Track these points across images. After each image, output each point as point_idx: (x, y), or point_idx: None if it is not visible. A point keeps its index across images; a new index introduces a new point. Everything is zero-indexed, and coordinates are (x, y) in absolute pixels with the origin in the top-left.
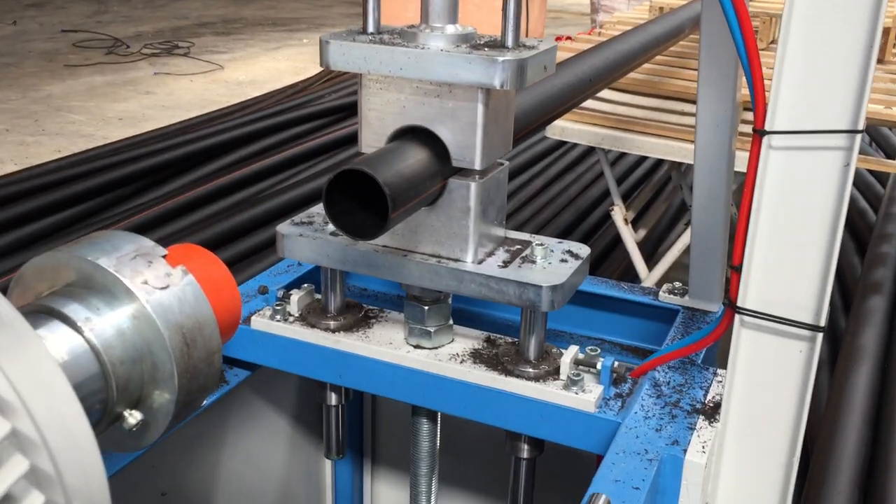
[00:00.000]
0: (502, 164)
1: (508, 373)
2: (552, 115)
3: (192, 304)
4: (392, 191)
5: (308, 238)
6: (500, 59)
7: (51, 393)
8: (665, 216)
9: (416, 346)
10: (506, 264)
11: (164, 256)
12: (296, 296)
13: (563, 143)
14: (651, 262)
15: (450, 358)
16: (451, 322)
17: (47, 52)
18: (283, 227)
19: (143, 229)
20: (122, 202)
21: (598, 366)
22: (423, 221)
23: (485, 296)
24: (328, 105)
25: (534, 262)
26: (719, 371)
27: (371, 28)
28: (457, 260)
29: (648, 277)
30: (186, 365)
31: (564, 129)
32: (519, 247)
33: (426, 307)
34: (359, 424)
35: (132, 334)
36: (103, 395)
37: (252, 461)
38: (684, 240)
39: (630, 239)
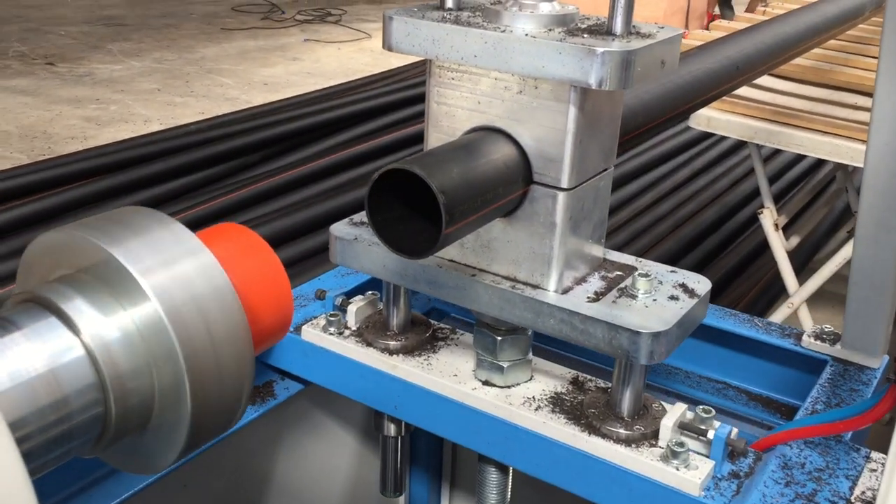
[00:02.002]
0: (604, 169)
1: (593, 430)
2: (688, 107)
3: (219, 309)
4: (449, 199)
5: (363, 244)
6: (600, 49)
7: None
8: (824, 223)
9: (485, 383)
10: (597, 297)
11: (195, 246)
12: (355, 306)
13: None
14: (802, 275)
15: (524, 402)
16: (529, 356)
17: (207, 15)
18: (338, 228)
19: (259, 199)
20: (250, 168)
21: (710, 434)
22: (499, 235)
23: (566, 336)
24: None
25: (634, 296)
26: (874, 455)
27: (450, 2)
28: (536, 286)
29: (798, 292)
30: (203, 383)
31: (711, 119)
32: (619, 273)
33: (499, 338)
34: (433, 459)
35: (140, 342)
36: (99, 409)
37: (304, 488)
38: (845, 252)
39: (779, 247)
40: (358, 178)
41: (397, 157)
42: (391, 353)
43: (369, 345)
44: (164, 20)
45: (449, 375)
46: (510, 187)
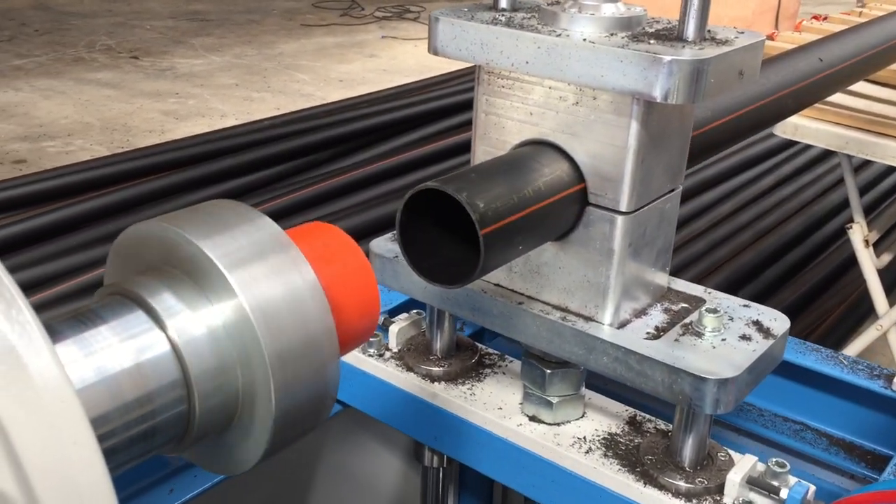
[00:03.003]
0: (671, 190)
1: (650, 479)
2: (771, 116)
3: (306, 308)
4: (488, 222)
5: (403, 263)
6: (667, 58)
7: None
8: None
9: (532, 418)
10: (658, 333)
11: (284, 243)
12: (397, 326)
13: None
14: (893, 295)
15: (573, 443)
16: (582, 391)
17: (289, 11)
18: (378, 244)
19: (330, 196)
20: (322, 165)
21: (784, 493)
22: (550, 261)
23: (621, 377)
24: None
25: (700, 334)
26: None
27: (505, 3)
28: (589, 319)
29: (888, 314)
30: (288, 383)
31: (798, 127)
32: (684, 306)
33: (548, 371)
34: (482, 491)
35: (225, 338)
36: (183, 406)
37: None
38: None
39: (869, 264)
40: (429, 176)
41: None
42: (433, 379)
43: (410, 369)
44: (247, 16)
45: (493, 408)
46: (562, 209)
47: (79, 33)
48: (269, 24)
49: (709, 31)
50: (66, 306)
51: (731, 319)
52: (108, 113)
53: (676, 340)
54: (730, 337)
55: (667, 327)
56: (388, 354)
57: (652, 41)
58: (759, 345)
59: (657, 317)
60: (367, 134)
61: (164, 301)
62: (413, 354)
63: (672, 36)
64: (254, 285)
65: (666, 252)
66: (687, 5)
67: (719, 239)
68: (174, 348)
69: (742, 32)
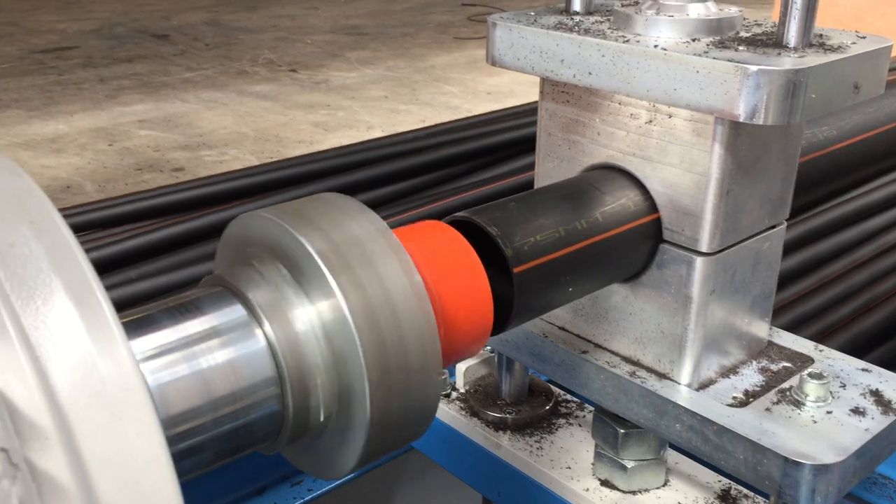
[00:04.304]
0: (770, 227)
1: None
2: None
3: (409, 314)
4: (521, 257)
5: None
6: (753, 68)
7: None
8: None
9: (604, 483)
10: (747, 399)
11: (391, 244)
12: (465, 365)
13: None
14: None
15: None
16: (664, 456)
17: (442, 24)
18: None
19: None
20: (460, 178)
21: None
22: (620, 304)
23: (696, 449)
24: None
25: (799, 403)
26: None
27: (577, 5)
28: (663, 376)
29: None
30: (385, 389)
31: None
32: (787, 365)
33: (622, 431)
34: None
35: (323, 340)
36: (275, 405)
37: None
38: None
39: None
40: None
41: None
42: (498, 427)
43: (475, 414)
44: (402, 29)
45: (561, 466)
46: (626, 245)
47: (244, 47)
48: (423, 37)
49: (819, 35)
50: None
51: (843, 387)
52: (263, 124)
53: (768, 410)
54: (838, 409)
55: (759, 392)
56: (453, 395)
57: (741, 47)
58: (875, 422)
59: (750, 378)
60: (507, 147)
61: (264, 296)
62: (480, 397)
63: (770, 42)
64: (355, 286)
65: (765, 300)
66: (788, 5)
67: (856, 287)
68: (270, 345)
69: (864, 37)
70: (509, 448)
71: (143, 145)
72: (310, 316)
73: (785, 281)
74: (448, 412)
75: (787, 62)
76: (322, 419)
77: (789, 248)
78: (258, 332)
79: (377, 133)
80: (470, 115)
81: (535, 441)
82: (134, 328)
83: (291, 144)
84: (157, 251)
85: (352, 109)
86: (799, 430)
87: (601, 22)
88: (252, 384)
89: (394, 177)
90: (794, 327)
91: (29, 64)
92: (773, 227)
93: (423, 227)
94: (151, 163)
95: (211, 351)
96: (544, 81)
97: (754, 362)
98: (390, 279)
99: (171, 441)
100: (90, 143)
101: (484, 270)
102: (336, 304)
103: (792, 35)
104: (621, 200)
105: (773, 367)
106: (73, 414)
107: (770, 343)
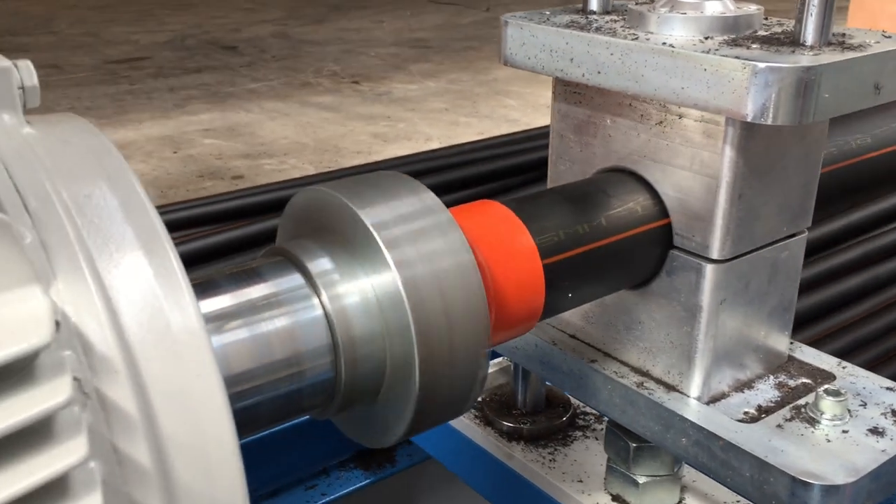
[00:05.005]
0: (790, 235)
1: None
2: None
3: (459, 290)
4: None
5: None
6: (762, 65)
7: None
8: None
9: (616, 498)
10: (759, 415)
11: (446, 221)
12: None
13: None
14: None
15: None
16: (679, 472)
17: None
18: None
19: None
20: (514, 190)
21: None
22: (628, 312)
23: (702, 465)
24: None
25: (814, 421)
26: None
27: (594, 4)
28: (672, 388)
29: None
30: (434, 362)
31: None
32: (806, 381)
33: (633, 444)
34: None
35: (376, 310)
36: (328, 372)
37: None
38: None
39: None
40: None
41: None
42: (512, 438)
43: (489, 423)
44: (466, 43)
45: (573, 480)
46: (633, 250)
47: (310, 59)
48: (487, 50)
49: (841, 34)
50: None
51: (864, 405)
52: (323, 134)
53: (779, 426)
54: (854, 429)
55: (773, 407)
56: None
57: (754, 45)
58: (894, 443)
59: (765, 393)
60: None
61: (321, 266)
62: (494, 406)
63: (787, 40)
64: (409, 260)
65: (784, 312)
66: (805, 1)
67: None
68: (326, 314)
69: (889, 36)
70: (522, 459)
71: (206, 153)
72: (364, 288)
73: (808, 291)
74: (462, 420)
75: (799, 60)
76: (372, 389)
77: (812, 257)
78: (315, 301)
79: (435, 144)
80: (528, 128)
81: (549, 453)
82: (199, 291)
83: (349, 154)
84: (213, 256)
85: (411, 121)
86: (810, 449)
87: (615, 21)
88: (308, 350)
89: (449, 187)
90: (818, 342)
91: (103, 73)
92: (793, 235)
93: (479, 206)
94: (213, 170)
95: (270, 316)
96: (556, 82)
97: (771, 377)
98: (444, 255)
99: (230, 400)
100: (156, 151)
101: (537, 251)
102: (390, 277)
103: (809, 33)
104: (629, 204)
105: (791, 382)
106: (140, 351)
107: (790, 358)
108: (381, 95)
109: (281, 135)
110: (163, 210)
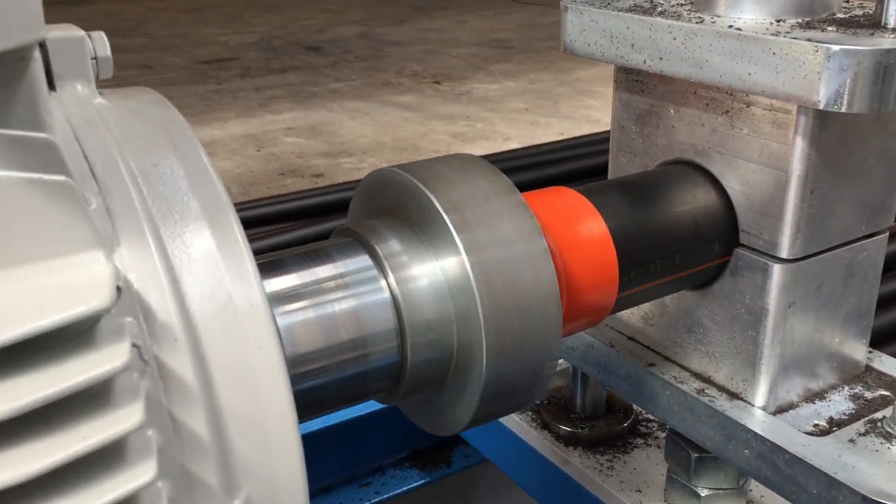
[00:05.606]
0: (869, 235)
1: None
2: None
3: (531, 277)
4: None
5: None
6: (836, 48)
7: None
8: None
9: None
10: (830, 427)
11: (518, 205)
12: None
13: None
14: None
15: None
16: (744, 486)
17: None
18: None
19: None
20: None
21: None
22: (691, 313)
23: (766, 480)
24: None
25: (891, 436)
26: None
27: None
28: (736, 396)
29: None
30: (502, 349)
31: None
32: (885, 394)
33: (695, 455)
34: None
35: (445, 296)
36: (394, 356)
37: None
38: None
39: None
40: None
41: None
42: (569, 442)
43: (545, 427)
44: (548, 42)
45: (631, 489)
46: (702, 249)
47: (392, 60)
48: None
49: None
50: None
51: None
52: (403, 133)
53: (852, 441)
54: None
55: (846, 420)
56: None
57: (830, 28)
58: None
59: (838, 404)
60: None
61: (390, 249)
62: (552, 410)
63: (867, 23)
64: (480, 246)
65: (861, 318)
66: None
67: None
68: (393, 297)
69: None
70: (578, 465)
71: (287, 151)
72: (433, 271)
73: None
74: (518, 422)
75: (879, 42)
76: (438, 375)
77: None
78: (383, 283)
79: (514, 144)
80: (606, 129)
81: (607, 460)
82: (267, 270)
83: (428, 154)
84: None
85: (491, 121)
86: (885, 467)
87: (682, 4)
88: (374, 333)
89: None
90: None
91: (192, 74)
92: (872, 235)
93: (553, 192)
94: (294, 168)
95: (337, 297)
96: (618, 70)
97: (846, 388)
98: (516, 240)
99: (294, 381)
100: (240, 149)
101: (612, 239)
102: (460, 261)
103: (892, 14)
104: (688, 199)
105: (868, 394)
106: (201, 321)
107: (868, 368)
108: (462, 95)
109: (361, 134)
110: (242, 206)
